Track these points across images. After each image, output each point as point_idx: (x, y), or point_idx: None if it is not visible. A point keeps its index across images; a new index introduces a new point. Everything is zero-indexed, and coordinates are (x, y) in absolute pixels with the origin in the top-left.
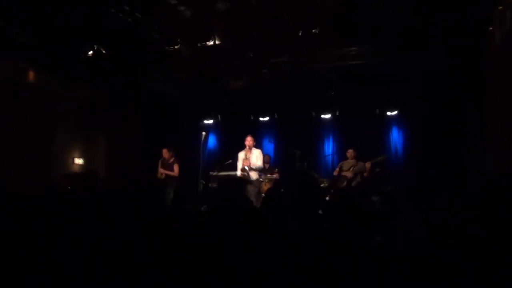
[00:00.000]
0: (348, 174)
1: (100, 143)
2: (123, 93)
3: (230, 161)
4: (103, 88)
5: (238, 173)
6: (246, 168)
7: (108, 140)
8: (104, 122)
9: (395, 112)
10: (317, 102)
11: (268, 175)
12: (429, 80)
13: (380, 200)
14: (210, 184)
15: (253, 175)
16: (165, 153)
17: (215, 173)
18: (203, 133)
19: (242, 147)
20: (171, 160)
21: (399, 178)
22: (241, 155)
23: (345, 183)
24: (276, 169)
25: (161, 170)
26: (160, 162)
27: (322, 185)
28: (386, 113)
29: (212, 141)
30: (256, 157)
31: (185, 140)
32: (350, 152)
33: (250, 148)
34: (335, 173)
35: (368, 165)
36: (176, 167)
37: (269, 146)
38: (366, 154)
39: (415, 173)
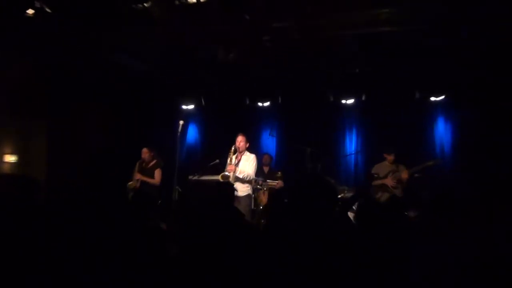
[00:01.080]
0: (390, 183)
1: (40, 135)
2: (73, 69)
3: (217, 161)
4: (46, 62)
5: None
6: (228, 174)
7: (50, 131)
8: (46, 107)
9: (441, 98)
10: (335, 83)
11: (269, 181)
12: (488, 57)
13: (419, 215)
14: (189, 192)
15: (239, 187)
16: (145, 153)
17: (196, 178)
18: (181, 122)
19: (234, 142)
20: (152, 163)
21: (446, 185)
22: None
23: (385, 195)
24: (279, 172)
25: (137, 175)
26: (137, 165)
27: (341, 195)
28: (429, 98)
29: (192, 133)
30: (248, 163)
31: (156, 132)
32: (392, 156)
33: (240, 152)
34: (375, 183)
35: (405, 174)
36: (157, 173)
37: (270, 141)
38: (401, 154)
39: (468, 179)
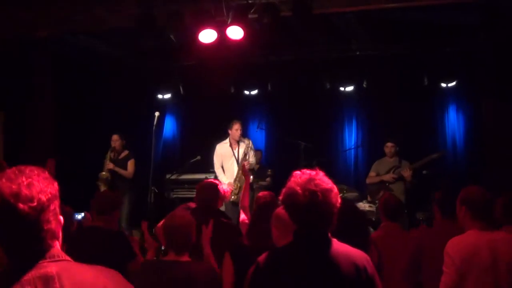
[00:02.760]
0: (387, 178)
1: None
2: (28, 50)
3: (199, 157)
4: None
5: (223, 180)
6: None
7: (6, 123)
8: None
9: (453, 83)
10: (333, 67)
11: (259, 180)
12: (506, 37)
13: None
14: (166, 194)
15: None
16: (116, 141)
17: (174, 177)
18: (156, 113)
19: (219, 135)
20: (124, 153)
21: (460, 182)
22: (221, 148)
23: (381, 194)
24: (269, 170)
25: (109, 164)
26: (108, 153)
27: (341, 194)
28: (439, 84)
29: (169, 125)
30: (247, 153)
31: (127, 124)
32: (389, 147)
33: (236, 141)
34: (370, 181)
35: (406, 172)
36: (131, 165)
37: (259, 135)
38: (408, 147)
39: (484, 175)
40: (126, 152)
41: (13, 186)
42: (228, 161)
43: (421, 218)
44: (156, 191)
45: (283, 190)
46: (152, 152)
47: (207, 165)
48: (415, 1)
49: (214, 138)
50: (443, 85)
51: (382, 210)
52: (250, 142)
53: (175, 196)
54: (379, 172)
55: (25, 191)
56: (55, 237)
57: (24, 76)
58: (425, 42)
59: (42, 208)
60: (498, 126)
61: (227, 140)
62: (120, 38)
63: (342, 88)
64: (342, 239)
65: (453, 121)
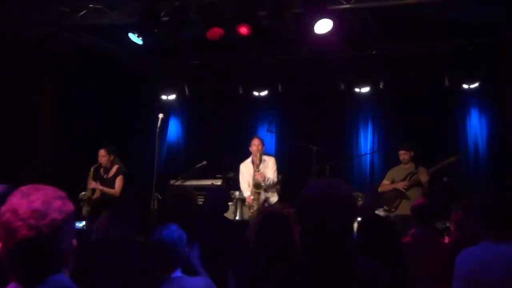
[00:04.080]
0: (400, 185)
1: None
2: (27, 48)
3: (204, 162)
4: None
5: (245, 195)
6: (262, 184)
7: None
8: None
9: (475, 85)
10: (347, 67)
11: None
12: None
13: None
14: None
15: (271, 196)
16: (102, 156)
17: (179, 182)
18: (160, 115)
19: (226, 139)
20: (113, 170)
21: (482, 190)
22: (245, 168)
23: (397, 202)
24: (279, 176)
25: (92, 183)
26: (92, 171)
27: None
28: (461, 85)
29: (174, 128)
30: (269, 169)
31: (130, 128)
32: (402, 154)
33: (256, 156)
34: (382, 189)
35: (424, 177)
36: (119, 182)
37: (269, 138)
38: (427, 153)
39: (508, 182)
40: (115, 168)
41: (27, 202)
42: (246, 176)
43: (441, 228)
44: (160, 197)
45: (298, 199)
46: (156, 156)
47: (213, 171)
48: None
49: (221, 141)
50: (465, 86)
51: (415, 215)
52: (272, 160)
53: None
54: (395, 179)
55: (39, 207)
56: (63, 260)
57: (22, 74)
58: (445, 40)
59: (56, 227)
60: None
61: (250, 159)
62: (121, 35)
63: (357, 89)
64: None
65: (475, 124)
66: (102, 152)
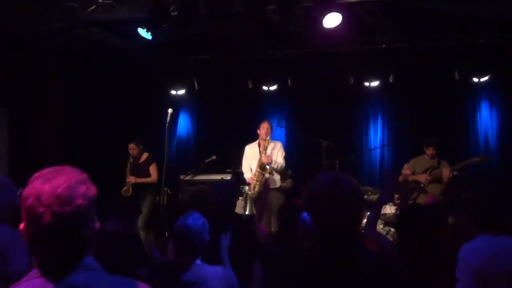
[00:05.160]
0: (422, 179)
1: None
2: (37, 43)
3: (214, 157)
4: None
5: (246, 176)
6: (268, 167)
7: (12, 121)
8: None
9: (485, 78)
10: (357, 60)
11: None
12: None
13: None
14: (180, 195)
15: (277, 178)
16: (133, 149)
17: (189, 177)
18: (169, 110)
19: (235, 133)
20: (144, 158)
21: (494, 184)
22: (251, 150)
23: (422, 196)
24: (289, 172)
25: (130, 178)
26: (128, 167)
27: (366, 196)
28: (471, 78)
29: (183, 123)
30: (277, 152)
31: (140, 123)
32: (431, 150)
33: (264, 140)
34: (404, 178)
35: (446, 172)
36: (153, 169)
37: (278, 133)
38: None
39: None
40: (145, 156)
41: (50, 188)
42: (256, 163)
43: (450, 222)
44: (169, 192)
45: (307, 194)
46: (165, 151)
47: (223, 166)
48: None
49: (230, 136)
50: (475, 79)
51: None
52: (280, 144)
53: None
54: (416, 170)
55: (63, 192)
56: (88, 244)
57: (32, 71)
58: (455, 34)
59: (79, 212)
60: None
61: (257, 142)
62: (131, 31)
63: (367, 83)
64: None
65: (486, 118)
66: (132, 145)
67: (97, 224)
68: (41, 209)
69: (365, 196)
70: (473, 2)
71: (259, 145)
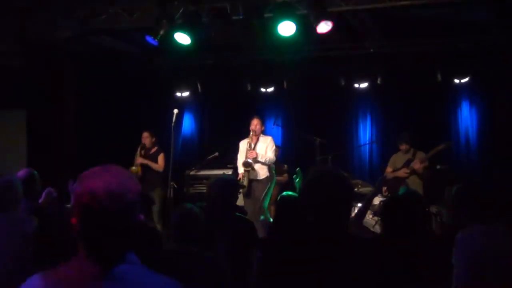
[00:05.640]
0: (401, 174)
1: (19, 127)
2: (51, 50)
3: (216, 153)
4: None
5: (240, 170)
6: (250, 161)
7: (30, 122)
8: (23, 93)
9: (466, 80)
10: (348, 64)
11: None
12: None
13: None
14: (185, 189)
15: (261, 171)
16: (146, 137)
17: (193, 172)
18: (175, 111)
19: (236, 132)
20: (155, 149)
21: (472, 177)
22: (242, 145)
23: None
24: (286, 166)
25: (139, 159)
26: (139, 150)
27: (356, 189)
28: (452, 80)
29: (188, 123)
30: (267, 147)
31: (147, 122)
32: (403, 146)
33: (256, 135)
34: (388, 175)
35: (417, 164)
36: (161, 158)
37: (275, 131)
38: (421, 143)
39: (498, 172)
40: (156, 148)
41: (103, 185)
42: (243, 154)
43: (434, 212)
44: (176, 186)
45: (302, 185)
46: (172, 148)
47: (225, 161)
48: None
49: (231, 134)
50: (456, 81)
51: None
52: (270, 139)
53: (194, 191)
54: (396, 166)
55: (116, 189)
56: (135, 236)
57: (48, 75)
58: (438, 38)
59: (130, 207)
60: (510, 122)
61: (249, 137)
62: (139, 37)
63: (356, 85)
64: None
65: (466, 116)
66: (145, 134)
67: (142, 216)
68: (95, 206)
69: (356, 189)
70: (454, 8)
71: (250, 141)
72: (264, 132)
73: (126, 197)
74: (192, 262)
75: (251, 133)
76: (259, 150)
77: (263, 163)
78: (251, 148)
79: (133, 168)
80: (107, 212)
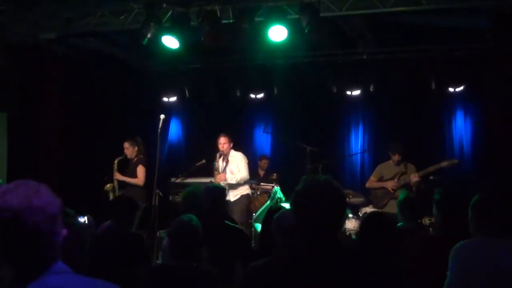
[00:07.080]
0: (389, 185)
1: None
2: (35, 52)
3: (204, 161)
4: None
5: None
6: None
7: (11, 126)
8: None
9: (460, 88)
10: (340, 70)
11: (262, 184)
12: None
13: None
14: (171, 197)
15: (232, 194)
16: (126, 148)
17: (179, 180)
18: (162, 116)
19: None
20: (135, 159)
21: (468, 190)
22: (216, 163)
23: (385, 201)
24: (275, 174)
25: (116, 174)
26: (116, 163)
27: (347, 199)
28: (447, 88)
29: (175, 128)
30: (237, 165)
31: (134, 128)
32: (396, 156)
33: (225, 154)
34: (370, 185)
35: (414, 178)
36: (140, 171)
37: (264, 139)
38: (415, 152)
39: (491, 180)
40: (138, 157)
41: (22, 198)
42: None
43: (427, 224)
44: (161, 194)
45: (294, 195)
46: (157, 155)
47: (213, 169)
48: (423, 5)
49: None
50: (451, 89)
51: (401, 210)
52: (239, 155)
53: (179, 199)
54: (384, 176)
55: (35, 203)
56: (59, 249)
57: (30, 77)
58: (433, 46)
59: (51, 220)
60: (505, 131)
61: (218, 156)
62: (126, 40)
63: (348, 92)
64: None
65: (461, 126)
66: (126, 144)
67: (64, 231)
68: (15, 220)
69: (347, 199)
70: (449, 17)
71: (220, 159)
72: (243, 142)
73: (47, 210)
74: (192, 279)
75: (218, 153)
76: (230, 172)
77: (236, 186)
78: (220, 171)
79: (107, 186)
80: (27, 225)
